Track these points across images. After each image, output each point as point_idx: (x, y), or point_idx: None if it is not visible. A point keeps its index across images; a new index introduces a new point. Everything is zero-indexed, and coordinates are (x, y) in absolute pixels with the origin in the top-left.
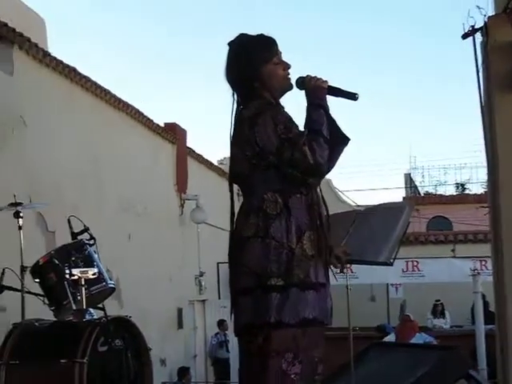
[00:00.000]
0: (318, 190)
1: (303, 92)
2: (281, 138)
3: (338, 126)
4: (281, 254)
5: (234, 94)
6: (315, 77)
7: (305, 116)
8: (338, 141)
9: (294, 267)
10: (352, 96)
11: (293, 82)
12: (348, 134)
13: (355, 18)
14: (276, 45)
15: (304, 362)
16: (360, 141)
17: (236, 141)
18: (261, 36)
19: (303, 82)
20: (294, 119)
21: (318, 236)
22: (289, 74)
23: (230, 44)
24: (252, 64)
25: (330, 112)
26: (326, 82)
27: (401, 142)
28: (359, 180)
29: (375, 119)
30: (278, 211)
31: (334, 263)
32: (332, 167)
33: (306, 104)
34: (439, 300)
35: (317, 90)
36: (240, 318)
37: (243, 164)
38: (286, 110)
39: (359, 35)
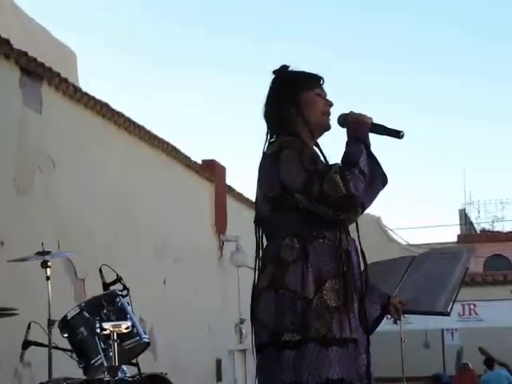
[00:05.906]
0: (355, 239)
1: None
2: (308, 172)
3: (379, 164)
4: (295, 306)
5: (268, 133)
6: (359, 113)
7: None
8: (378, 179)
9: (312, 320)
10: (397, 134)
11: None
12: (387, 174)
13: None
14: (323, 80)
15: None
16: (410, 175)
17: (259, 181)
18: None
19: (345, 119)
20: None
21: (345, 285)
22: (330, 111)
23: (274, 72)
24: (293, 87)
25: (372, 149)
26: (370, 118)
27: (455, 174)
28: (411, 217)
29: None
30: (295, 257)
31: (391, 312)
32: (367, 206)
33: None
34: None
35: (359, 125)
36: (258, 379)
37: (265, 206)
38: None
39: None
